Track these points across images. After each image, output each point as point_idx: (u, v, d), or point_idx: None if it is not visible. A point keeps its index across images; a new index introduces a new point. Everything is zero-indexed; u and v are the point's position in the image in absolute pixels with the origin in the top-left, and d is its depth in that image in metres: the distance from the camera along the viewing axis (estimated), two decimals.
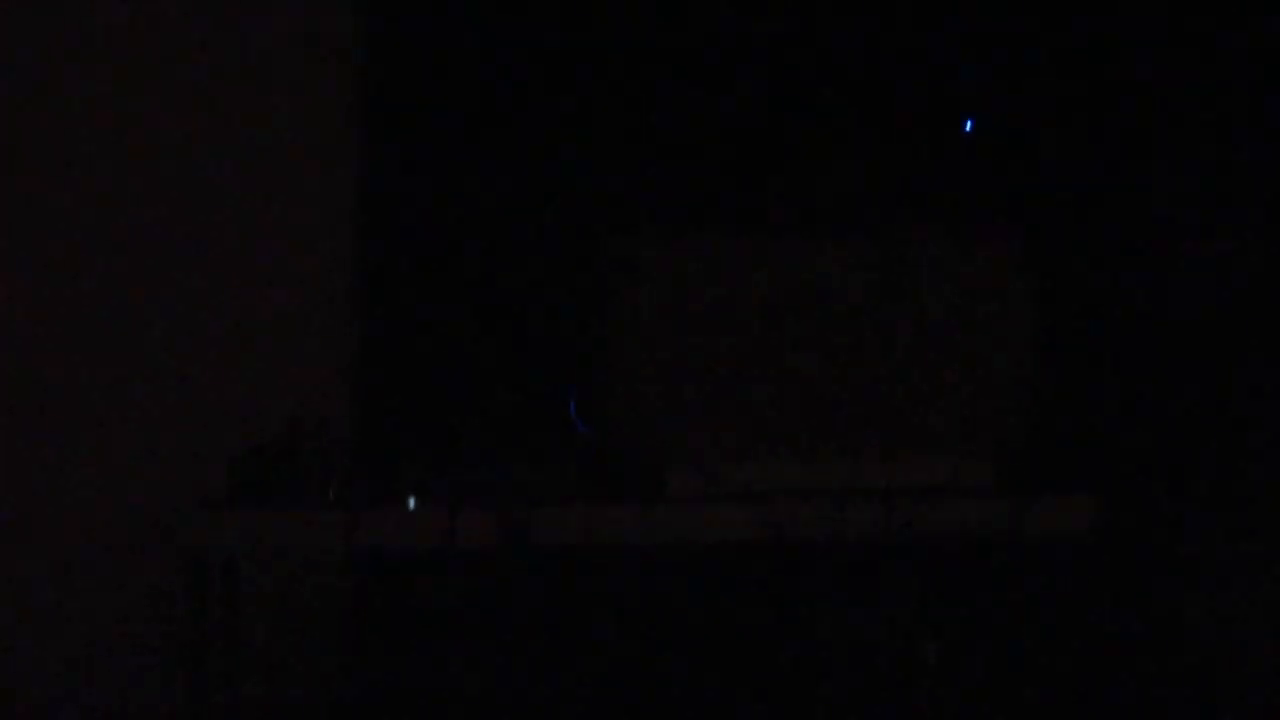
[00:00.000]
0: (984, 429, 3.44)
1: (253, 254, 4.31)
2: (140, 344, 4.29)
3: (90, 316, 4.27)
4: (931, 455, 3.43)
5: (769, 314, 3.41)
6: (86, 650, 4.25)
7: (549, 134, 4.17)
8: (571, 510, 3.31)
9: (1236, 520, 4.02)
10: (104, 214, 4.27)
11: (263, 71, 4.31)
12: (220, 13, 4.28)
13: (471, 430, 4.05)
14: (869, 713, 4.04)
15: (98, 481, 4.22)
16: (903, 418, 3.42)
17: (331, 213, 4.33)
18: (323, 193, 4.33)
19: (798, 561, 4.08)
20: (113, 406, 4.28)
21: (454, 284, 4.18)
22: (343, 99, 4.31)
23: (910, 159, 4.13)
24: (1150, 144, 4.19)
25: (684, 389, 3.39)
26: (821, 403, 3.41)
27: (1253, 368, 4.09)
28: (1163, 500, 4.02)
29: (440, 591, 4.08)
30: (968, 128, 4.15)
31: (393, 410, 4.14)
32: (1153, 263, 4.16)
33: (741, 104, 4.17)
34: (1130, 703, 3.95)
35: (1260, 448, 4.04)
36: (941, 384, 3.43)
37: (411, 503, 3.27)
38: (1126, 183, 4.16)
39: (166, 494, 3.37)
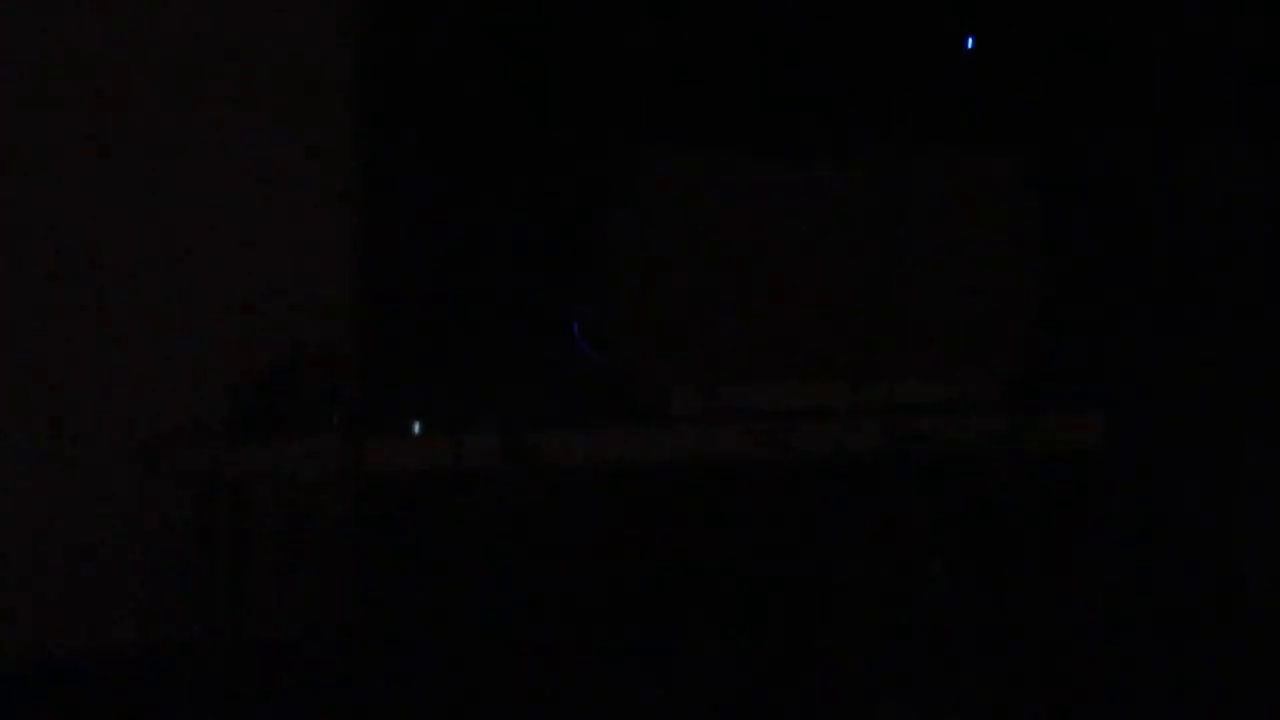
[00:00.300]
0: (990, 347, 3.44)
1: (255, 181, 4.31)
2: (146, 272, 4.29)
3: (97, 245, 4.27)
4: (937, 374, 3.43)
5: (774, 235, 3.40)
6: (93, 577, 4.27)
7: (555, 54, 4.15)
8: (576, 432, 3.31)
9: (1241, 435, 4.02)
10: (109, 144, 4.26)
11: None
12: None
13: (475, 354, 4.06)
14: (876, 629, 4.06)
15: (105, 411, 4.23)
16: (908, 336, 3.42)
17: (333, 137, 4.32)
18: (324, 116, 4.32)
19: (803, 480, 4.09)
20: (118, 335, 4.28)
21: (458, 207, 4.17)
22: (339, 27, 4.30)
23: (915, 79, 4.11)
24: (1153, 59, 4.16)
25: (688, 310, 3.39)
26: (826, 322, 3.41)
27: (1256, 282, 4.08)
28: (1166, 415, 4.02)
29: (446, 515, 4.09)
30: (969, 45, 4.13)
31: (397, 336, 4.14)
32: (1157, 180, 4.14)
33: (749, 25, 4.15)
34: (1135, 614, 3.97)
35: (1263, 364, 4.04)
36: (947, 302, 3.43)
37: (416, 427, 3.27)
38: (1129, 99, 4.14)
39: (172, 422, 3.37)
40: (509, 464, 3.23)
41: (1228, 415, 4.04)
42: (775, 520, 4.15)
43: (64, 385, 4.25)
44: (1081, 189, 4.09)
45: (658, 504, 4.12)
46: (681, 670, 3.98)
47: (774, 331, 3.40)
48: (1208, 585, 4.01)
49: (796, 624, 4.09)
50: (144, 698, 4.00)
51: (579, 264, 3.90)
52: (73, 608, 4.27)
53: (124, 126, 4.26)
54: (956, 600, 4.00)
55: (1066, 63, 4.13)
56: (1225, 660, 3.85)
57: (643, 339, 3.41)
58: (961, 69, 4.14)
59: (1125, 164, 4.15)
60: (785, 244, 3.40)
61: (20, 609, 4.25)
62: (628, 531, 4.15)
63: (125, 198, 4.26)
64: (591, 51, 4.16)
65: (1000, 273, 3.44)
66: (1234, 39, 4.11)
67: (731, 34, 4.15)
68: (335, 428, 3.27)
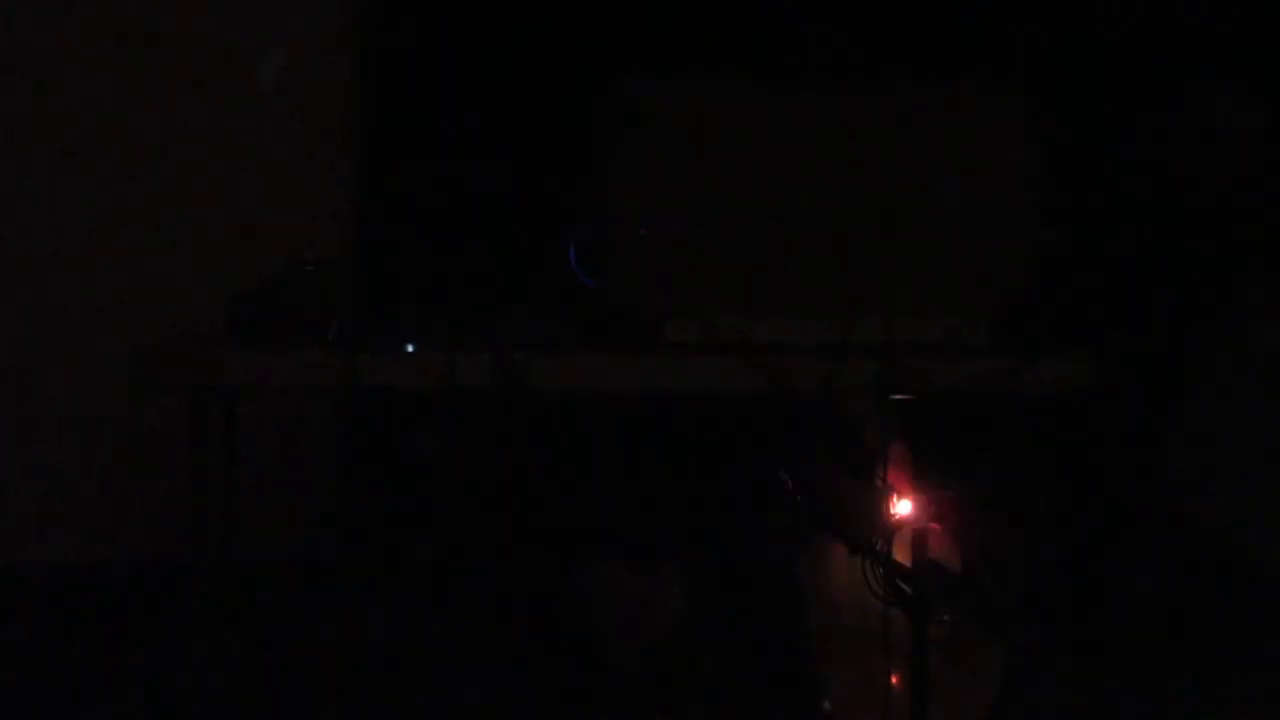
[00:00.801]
0: (983, 287, 3.44)
1: (252, 97, 4.30)
2: (141, 183, 4.29)
3: (93, 156, 4.27)
4: (931, 313, 3.43)
5: (770, 168, 3.40)
6: (85, 487, 4.28)
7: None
8: (569, 356, 3.32)
9: (1232, 382, 4.03)
10: (108, 71, 4.26)
11: None
12: None
13: (470, 276, 4.06)
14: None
15: (98, 319, 4.24)
16: (903, 275, 3.42)
17: (330, 52, 4.31)
18: (324, 43, 4.31)
19: (794, 414, 4.10)
20: (113, 245, 4.28)
21: (455, 130, 4.16)
22: None
23: (914, 15, 4.10)
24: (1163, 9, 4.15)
25: (683, 240, 3.39)
26: (821, 258, 3.41)
27: (1253, 230, 4.08)
28: (1159, 359, 4.03)
29: (437, 433, 4.10)
30: None
31: (394, 252, 4.14)
32: (1156, 125, 4.13)
33: None
34: (1125, 557, 3.99)
35: (1258, 310, 4.04)
36: (941, 243, 3.43)
37: (410, 347, 3.27)
38: (1129, 44, 4.13)
39: (166, 332, 3.38)
40: (500, 384, 3.24)
41: (1216, 363, 4.05)
42: (764, 452, 4.16)
43: (60, 296, 4.25)
44: (1083, 132, 4.09)
45: (648, 432, 4.13)
46: (660, 605, 4.00)
47: (769, 263, 3.40)
48: (1191, 536, 4.03)
49: (781, 556, 4.10)
50: (131, 613, 4.01)
51: (576, 189, 3.90)
52: (60, 519, 4.28)
53: (133, 54, 4.26)
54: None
55: (1078, 4, 4.12)
56: (1205, 612, 3.87)
57: (637, 267, 3.41)
58: (963, 5, 4.12)
59: (1127, 110, 4.14)
60: (782, 173, 3.40)
61: (3, 519, 4.27)
62: (616, 458, 4.16)
63: (123, 117, 4.26)
64: None
65: (998, 212, 3.43)
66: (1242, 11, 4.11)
67: None
68: (330, 341, 3.28)
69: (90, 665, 3.87)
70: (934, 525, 3.42)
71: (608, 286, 3.50)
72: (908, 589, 3.24)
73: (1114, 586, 3.92)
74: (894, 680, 3.39)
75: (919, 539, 3.39)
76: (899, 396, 3.36)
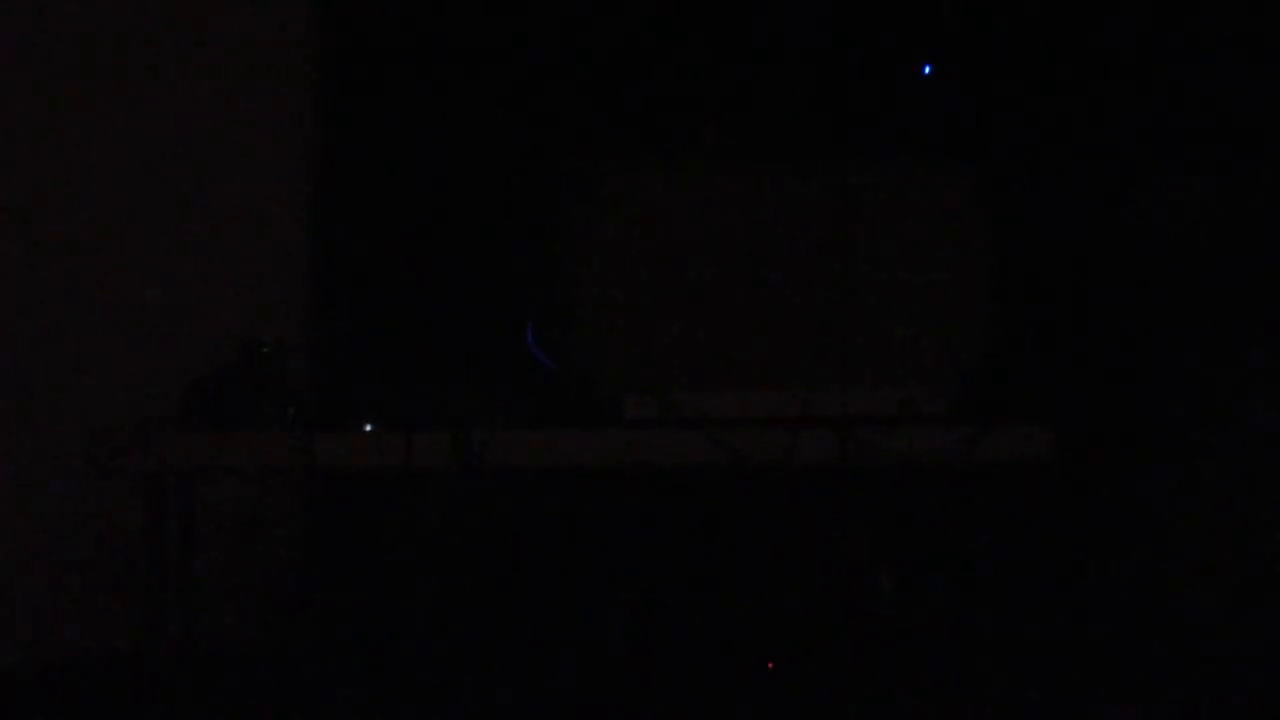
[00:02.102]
0: (939, 359, 3.46)
1: (209, 179, 4.30)
2: (98, 266, 4.27)
3: (46, 242, 4.25)
4: (886, 385, 3.44)
5: (726, 243, 3.42)
6: (38, 572, 4.24)
7: (509, 60, 4.17)
8: (526, 433, 3.32)
9: (1189, 453, 4.05)
10: (60, 138, 4.25)
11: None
12: None
13: (428, 355, 4.06)
14: (822, 640, 4.07)
15: (54, 409, 4.21)
16: (858, 347, 3.44)
17: (288, 137, 4.31)
18: (280, 117, 4.32)
19: (753, 488, 4.10)
20: (69, 328, 4.26)
21: (411, 208, 4.18)
22: (303, 18, 4.30)
23: (869, 91, 4.14)
24: (1109, 80, 4.20)
25: (641, 316, 3.40)
26: (778, 331, 3.43)
27: (1209, 301, 4.11)
28: (1115, 431, 4.05)
29: (396, 513, 4.09)
30: (926, 72, 4.16)
31: (350, 334, 4.14)
32: (1110, 197, 4.18)
33: (707, 34, 4.17)
34: (1083, 628, 3.99)
35: (1214, 381, 4.07)
36: (897, 314, 3.45)
37: (368, 427, 3.27)
38: (1086, 115, 4.18)
39: (123, 415, 3.36)
40: (459, 463, 3.24)
41: (1176, 434, 4.07)
42: (724, 527, 4.16)
43: (12, 382, 4.22)
44: (1036, 203, 4.12)
45: (608, 508, 4.13)
46: (621, 676, 3.99)
47: (726, 338, 3.42)
48: (1148, 599, 4.04)
49: (739, 630, 4.10)
50: (87, 713, 3.97)
51: (534, 268, 3.91)
52: (12, 616, 4.23)
53: (76, 122, 4.24)
54: (904, 612, 4.02)
55: (1029, 79, 4.16)
56: (1163, 672, 3.87)
57: (596, 344, 3.42)
58: (919, 79, 4.16)
59: (1080, 182, 4.18)
60: (739, 251, 3.42)
61: None
62: (577, 535, 4.16)
63: (76, 193, 4.25)
64: (549, 58, 4.18)
65: (953, 285, 3.46)
66: (1195, 83, 4.16)
67: (689, 42, 4.18)
68: (286, 423, 3.27)
69: None
70: None
71: (566, 365, 3.51)
72: None
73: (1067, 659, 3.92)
74: None
75: None
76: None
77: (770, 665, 3.98)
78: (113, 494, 3.73)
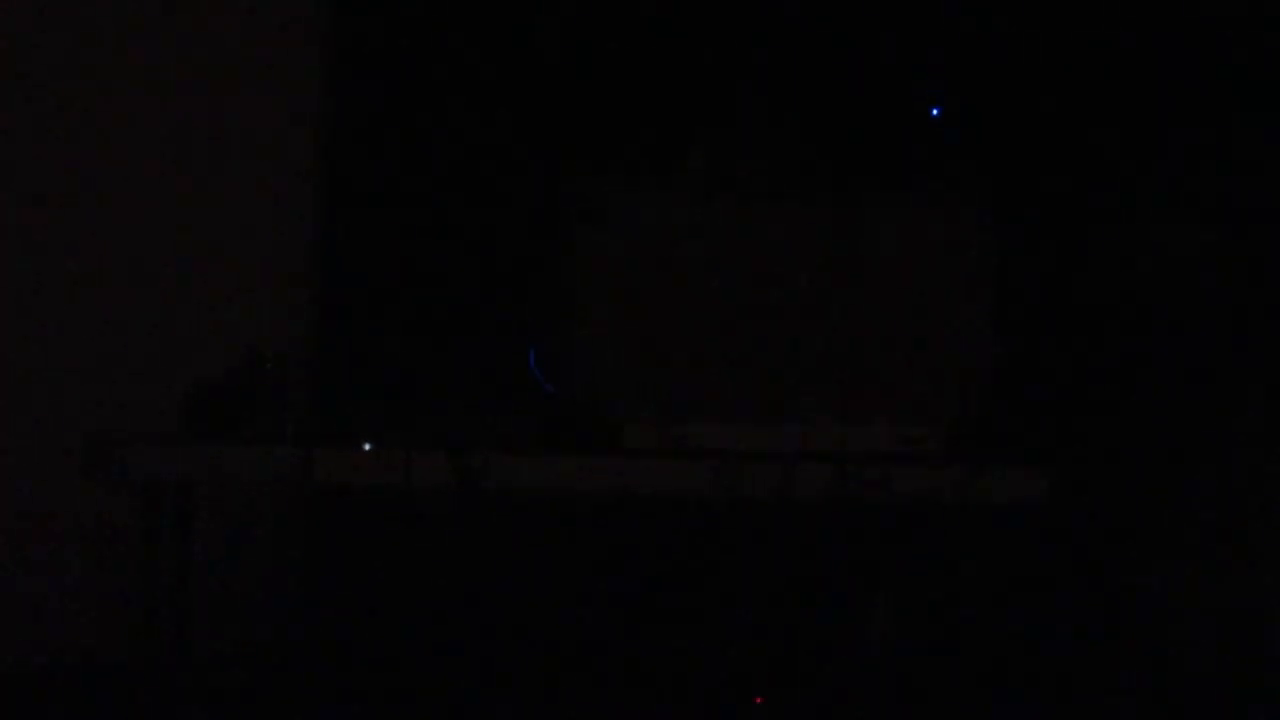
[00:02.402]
0: (938, 397, 3.47)
1: (214, 190, 4.30)
2: (101, 276, 4.28)
3: (47, 247, 4.25)
4: (885, 422, 3.45)
5: (729, 274, 3.43)
6: (36, 577, 4.24)
7: (514, 83, 4.18)
8: (525, 457, 3.33)
9: (1186, 497, 4.05)
10: (61, 144, 4.25)
11: (224, 11, 4.30)
12: None
13: (430, 374, 4.07)
14: (816, 675, 4.07)
15: (54, 410, 4.21)
16: (858, 384, 3.45)
17: (293, 152, 4.32)
18: (285, 131, 4.32)
19: (749, 521, 4.11)
20: (70, 336, 4.26)
21: (417, 228, 4.19)
22: (307, 36, 4.30)
23: (875, 127, 4.15)
24: (1112, 122, 4.21)
25: (643, 345, 3.41)
26: (778, 365, 3.44)
27: (1207, 346, 4.12)
28: (1113, 472, 4.05)
29: (394, 531, 4.09)
30: (935, 114, 4.18)
31: (353, 348, 4.15)
32: (1111, 240, 4.19)
33: (717, 62, 4.18)
34: (1079, 670, 3.99)
35: (1211, 424, 4.07)
36: (897, 351, 3.46)
37: (367, 445, 3.28)
38: (1090, 156, 4.19)
39: (123, 424, 3.37)
40: (457, 484, 3.25)
41: (1172, 477, 4.07)
42: (721, 559, 4.16)
43: (12, 388, 4.22)
44: (1038, 242, 4.13)
45: (604, 535, 4.13)
46: (610, 703, 3.99)
47: (727, 370, 3.43)
48: (1144, 643, 4.04)
49: (732, 662, 4.09)
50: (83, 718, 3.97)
51: (538, 293, 3.92)
52: (10, 620, 4.22)
53: (79, 127, 4.25)
54: (900, 649, 4.02)
55: (1032, 116, 4.17)
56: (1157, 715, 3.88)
57: (597, 372, 3.43)
58: (924, 117, 4.18)
59: (1082, 224, 4.19)
60: (741, 282, 3.43)
61: None
62: (571, 560, 4.16)
63: (79, 201, 4.25)
64: (557, 85, 4.20)
65: (954, 321, 3.47)
66: (1200, 136, 4.17)
67: (699, 70, 4.19)
68: (286, 436, 3.28)
69: None
70: None
71: (566, 391, 3.52)
72: None
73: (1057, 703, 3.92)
74: None
75: None
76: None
77: (758, 700, 3.98)
78: (111, 500, 3.74)
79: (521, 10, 4.18)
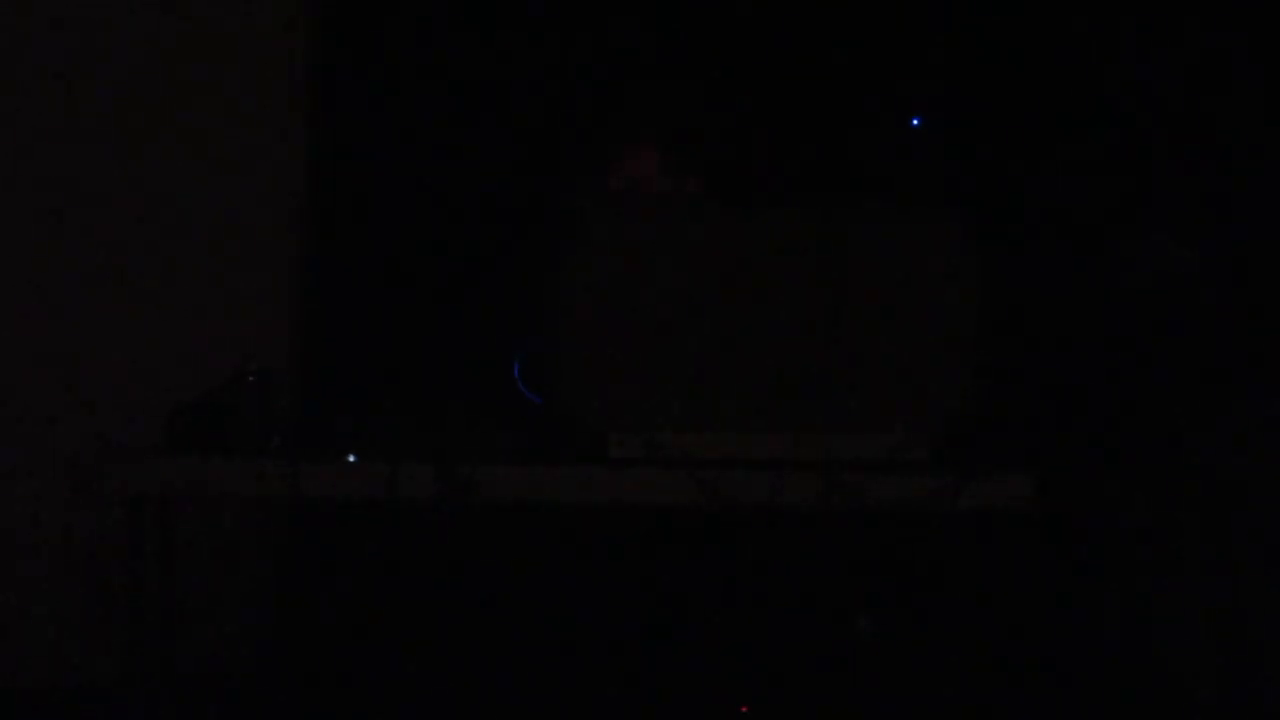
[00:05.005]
0: (923, 405, 3.47)
1: (198, 207, 4.30)
2: (85, 292, 4.27)
3: (28, 264, 4.25)
4: (870, 430, 3.45)
5: (713, 284, 3.43)
6: (19, 596, 4.22)
7: (497, 95, 4.19)
8: (511, 468, 3.32)
9: (1173, 503, 4.06)
10: (44, 157, 4.24)
11: (208, 23, 4.30)
12: None
13: (414, 386, 4.06)
14: (801, 684, 4.07)
15: (37, 427, 4.20)
16: (843, 391, 3.45)
17: (278, 166, 4.32)
18: (270, 147, 4.32)
19: (735, 530, 4.11)
20: (54, 355, 4.26)
21: (401, 240, 4.19)
22: (289, 48, 4.30)
23: (857, 134, 4.16)
24: (1096, 132, 4.22)
25: (628, 355, 3.41)
26: (762, 373, 3.43)
27: (1194, 349, 4.13)
28: (1099, 480, 4.05)
29: (380, 544, 4.09)
30: (916, 123, 4.18)
31: (336, 363, 4.15)
32: (1097, 245, 4.20)
33: (696, 69, 4.19)
34: (1063, 677, 4.00)
35: (1197, 430, 4.08)
36: (882, 359, 3.46)
37: (352, 457, 3.28)
38: (1072, 166, 4.20)
39: (106, 440, 3.36)
40: (443, 496, 3.24)
41: (1157, 483, 4.08)
42: (706, 568, 4.16)
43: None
44: (1024, 249, 4.14)
45: (590, 545, 4.13)
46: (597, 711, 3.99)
47: (713, 379, 3.42)
48: (1132, 651, 4.05)
49: (719, 671, 4.09)
50: None
51: (522, 304, 3.92)
52: None
53: (62, 140, 4.24)
54: (882, 657, 4.02)
55: (1016, 127, 4.18)
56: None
57: (582, 382, 3.42)
58: (908, 125, 4.19)
59: (1066, 230, 4.20)
60: (726, 292, 3.43)
61: None
62: (557, 570, 4.16)
63: (61, 219, 4.24)
64: (541, 95, 4.20)
65: (939, 330, 3.47)
66: (1179, 130, 4.18)
67: (678, 78, 4.20)
68: (271, 450, 3.27)
69: None
70: None
71: (551, 401, 3.51)
72: None
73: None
74: None
75: None
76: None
77: (744, 709, 3.98)
78: (95, 516, 3.73)
79: (509, 18, 4.19)
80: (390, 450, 3.29)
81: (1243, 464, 4.01)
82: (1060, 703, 3.94)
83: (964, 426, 3.48)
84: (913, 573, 4.06)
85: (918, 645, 4.04)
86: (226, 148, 4.30)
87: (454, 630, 4.14)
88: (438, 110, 4.21)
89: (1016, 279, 4.09)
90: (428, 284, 4.20)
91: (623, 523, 4.05)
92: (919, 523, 3.84)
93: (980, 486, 3.42)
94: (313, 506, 3.88)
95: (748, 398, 3.43)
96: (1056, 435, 4.05)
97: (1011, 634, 4.02)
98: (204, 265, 4.30)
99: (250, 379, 3.31)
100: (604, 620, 4.16)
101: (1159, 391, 4.12)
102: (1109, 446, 4.07)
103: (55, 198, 4.23)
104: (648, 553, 4.14)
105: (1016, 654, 3.99)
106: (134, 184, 4.28)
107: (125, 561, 3.26)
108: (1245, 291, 4.14)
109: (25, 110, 4.24)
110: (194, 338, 4.19)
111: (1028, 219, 4.16)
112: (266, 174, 4.32)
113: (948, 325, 3.47)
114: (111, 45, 4.26)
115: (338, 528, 4.13)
